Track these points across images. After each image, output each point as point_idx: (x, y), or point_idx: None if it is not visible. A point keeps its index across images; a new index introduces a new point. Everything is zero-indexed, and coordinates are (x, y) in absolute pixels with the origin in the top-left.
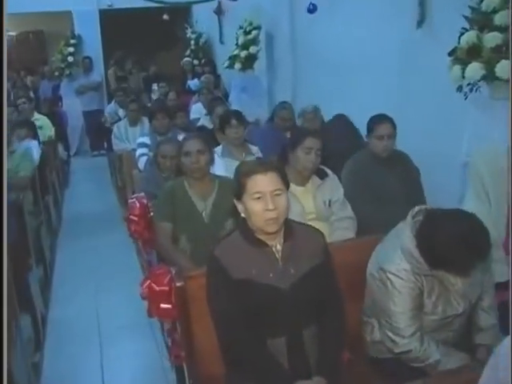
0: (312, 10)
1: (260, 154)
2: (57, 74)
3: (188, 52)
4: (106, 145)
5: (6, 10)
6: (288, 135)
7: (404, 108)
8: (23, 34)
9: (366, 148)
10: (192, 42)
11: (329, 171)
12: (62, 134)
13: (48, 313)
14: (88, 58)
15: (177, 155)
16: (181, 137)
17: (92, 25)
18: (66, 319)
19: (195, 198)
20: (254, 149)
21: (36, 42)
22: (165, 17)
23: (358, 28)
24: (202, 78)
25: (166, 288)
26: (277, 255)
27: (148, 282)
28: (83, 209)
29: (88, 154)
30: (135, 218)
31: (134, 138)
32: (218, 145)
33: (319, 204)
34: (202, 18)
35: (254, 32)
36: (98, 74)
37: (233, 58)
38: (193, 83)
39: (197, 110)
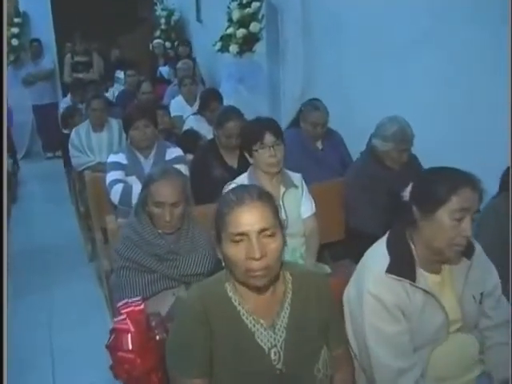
0: None
1: (305, 185)
2: None
3: (158, 33)
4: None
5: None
6: (319, 146)
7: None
8: None
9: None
10: (162, 21)
11: (475, 242)
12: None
13: None
14: (37, 40)
15: (182, 200)
16: (170, 151)
17: (41, 0)
18: None
19: (253, 324)
20: (297, 177)
21: None
22: None
23: None
24: (180, 65)
25: None
26: None
27: None
28: (36, 239)
29: (40, 157)
30: (131, 356)
31: (100, 148)
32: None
33: (467, 302)
34: None
35: (254, 4)
36: (49, 60)
37: (226, 39)
38: (165, 70)
39: (177, 106)
